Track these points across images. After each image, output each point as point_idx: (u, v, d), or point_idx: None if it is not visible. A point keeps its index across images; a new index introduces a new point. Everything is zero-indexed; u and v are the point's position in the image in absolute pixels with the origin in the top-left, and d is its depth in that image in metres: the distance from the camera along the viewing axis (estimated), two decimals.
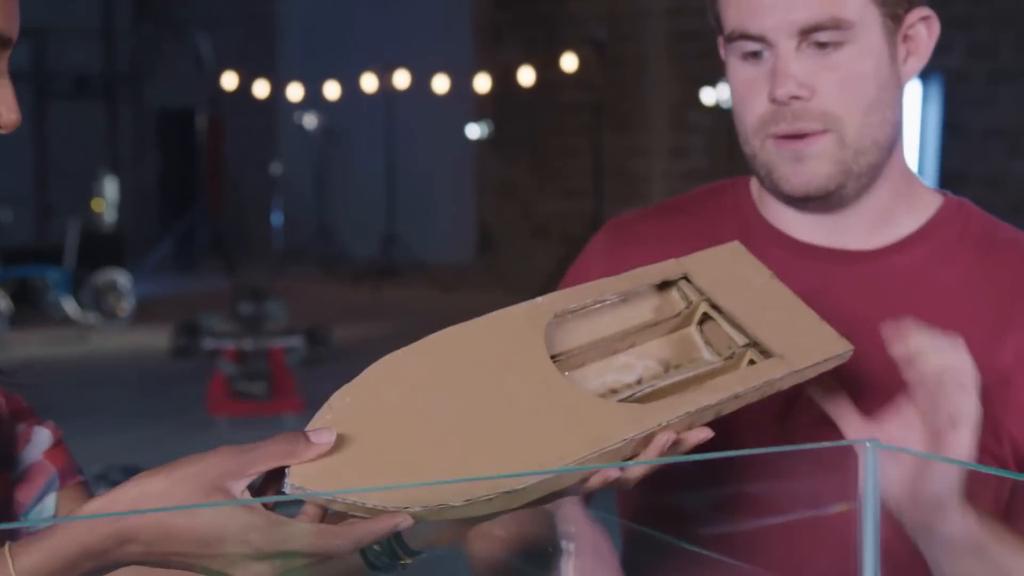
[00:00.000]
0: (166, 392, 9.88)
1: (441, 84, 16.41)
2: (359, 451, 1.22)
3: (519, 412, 1.28)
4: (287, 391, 9.02)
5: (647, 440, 1.29)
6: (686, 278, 1.48)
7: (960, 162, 14.36)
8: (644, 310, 1.48)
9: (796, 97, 1.63)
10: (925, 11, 1.68)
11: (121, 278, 13.31)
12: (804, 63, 1.62)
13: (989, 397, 1.60)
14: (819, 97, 1.63)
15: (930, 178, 14.55)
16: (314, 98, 17.70)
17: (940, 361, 1.39)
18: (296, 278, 16.67)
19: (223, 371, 9.07)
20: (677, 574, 1.68)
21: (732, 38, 1.67)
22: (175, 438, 8.33)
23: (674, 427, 1.31)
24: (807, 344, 1.41)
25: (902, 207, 1.73)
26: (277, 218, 19.26)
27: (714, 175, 16.23)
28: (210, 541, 1.15)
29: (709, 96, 14.65)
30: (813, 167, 1.64)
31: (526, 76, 15.98)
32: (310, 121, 18.61)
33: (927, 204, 1.74)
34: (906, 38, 1.68)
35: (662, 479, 1.42)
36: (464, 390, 1.30)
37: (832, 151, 1.64)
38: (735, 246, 1.55)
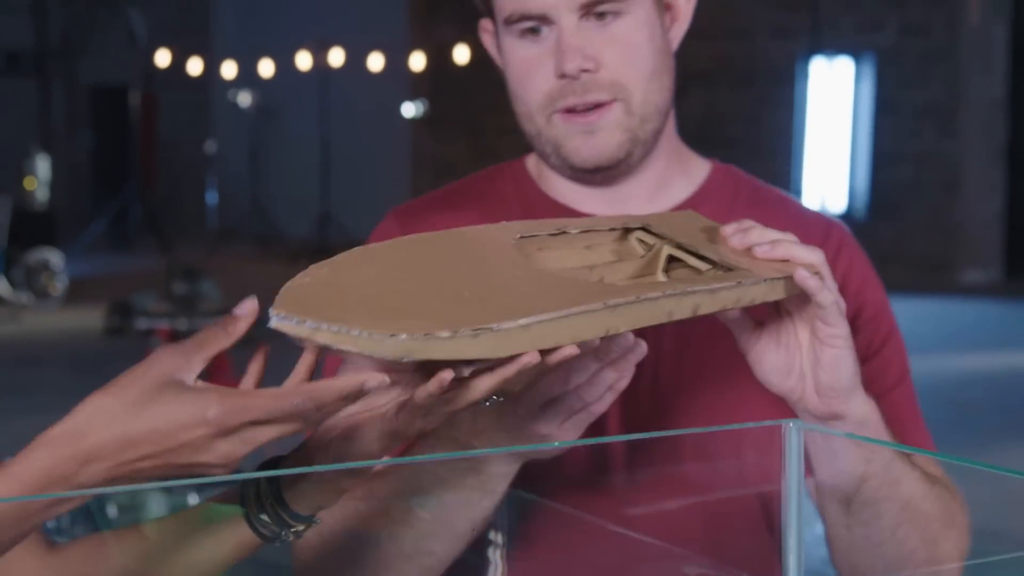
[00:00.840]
0: (99, 372, 9.77)
1: (376, 62, 16.36)
2: (341, 297, 1.22)
3: (500, 283, 1.29)
4: (221, 371, 8.90)
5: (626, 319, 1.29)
6: (644, 228, 1.50)
7: (892, 141, 14.46)
8: (604, 253, 1.49)
9: (585, 70, 1.66)
10: None
11: (53, 257, 13.19)
12: (587, 36, 1.66)
13: None
14: (605, 68, 1.66)
15: (863, 157, 14.65)
16: (248, 76, 17.60)
17: (789, 252, 1.44)
18: (231, 257, 16.58)
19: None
20: (585, 546, 1.70)
21: (512, 20, 1.69)
22: None
23: (649, 310, 1.31)
24: (774, 266, 1.44)
25: (676, 173, 1.79)
26: (212, 196, 19.16)
27: None
28: (170, 432, 1.14)
29: None
30: (604, 138, 1.68)
31: (461, 54, 15.95)
32: (244, 99, 18.51)
33: (698, 170, 1.81)
34: (668, 6, 1.73)
35: (572, 455, 1.43)
36: (443, 267, 1.30)
37: (621, 120, 1.68)
38: (689, 212, 1.59)
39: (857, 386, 1.49)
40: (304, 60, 16.75)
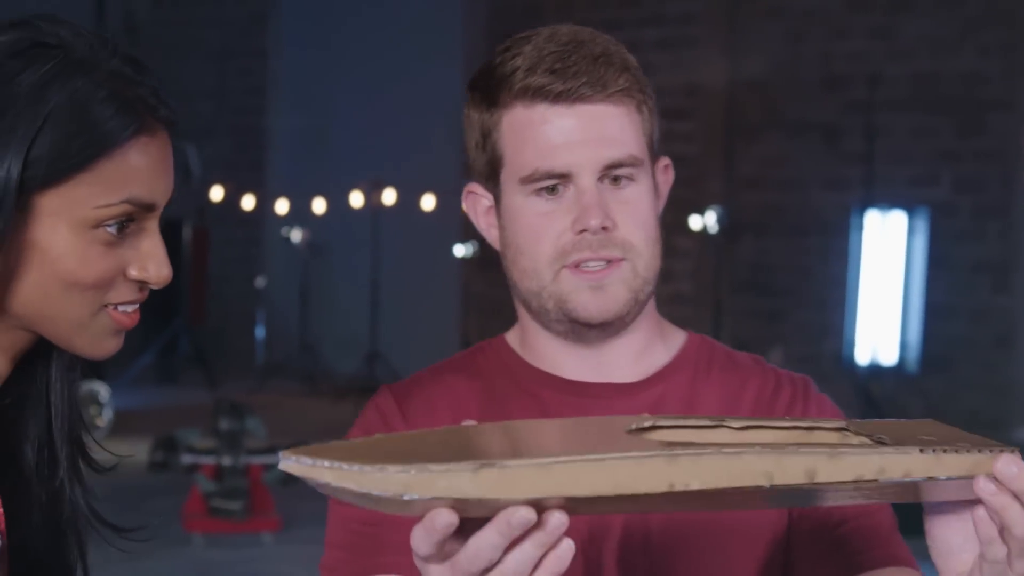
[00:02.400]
0: (142, 507, 9.75)
1: (428, 203, 16.45)
2: (369, 447, 1.13)
3: (560, 439, 1.22)
4: (265, 509, 8.91)
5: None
6: (844, 429, 1.36)
7: (945, 296, 14.37)
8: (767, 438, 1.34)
9: (605, 227, 1.72)
10: (666, 159, 1.84)
11: (101, 389, 13.20)
12: (604, 196, 1.73)
13: None
14: (619, 228, 1.73)
15: (915, 310, 14.55)
16: (301, 213, 17.72)
17: None
18: (278, 393, 16.56)
19: (200, 487, 8.96)
20: None
21: (533, 178, 1.74)
22: (148, 555, 8.20)
23: (731, 466, 1.14)
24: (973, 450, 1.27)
25: (657, 340, 1.85)
26: (260, 332, 19.20)
27: (699, 299, 15.97)
28: None
29: (696, 222, 14.68)
30: (612, 294, 1.74)
31: None
32: (296, 235, 18.62)
33: (675, 338, 1.89)
34: (655, 182, 1.82)
35: None
36: (519, 434, 1.22)
37: (628, 279, 1.74)
38: (927, 421, 1.48)
39: None
40: (357, 199, 16.86)
